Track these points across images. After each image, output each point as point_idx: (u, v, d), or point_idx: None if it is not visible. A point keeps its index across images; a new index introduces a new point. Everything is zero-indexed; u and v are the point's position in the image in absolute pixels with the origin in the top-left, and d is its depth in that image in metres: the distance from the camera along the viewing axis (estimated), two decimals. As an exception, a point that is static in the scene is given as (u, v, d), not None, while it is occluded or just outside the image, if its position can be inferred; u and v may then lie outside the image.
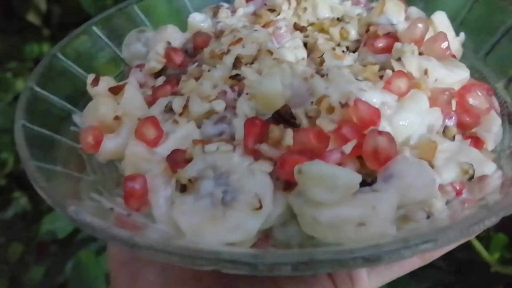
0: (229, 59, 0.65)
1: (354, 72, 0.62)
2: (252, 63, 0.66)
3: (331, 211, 0.49)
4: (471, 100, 0.63)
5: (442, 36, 0.66)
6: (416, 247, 0.43)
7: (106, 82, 0.68)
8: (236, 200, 0.52)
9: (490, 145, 0.61)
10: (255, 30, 0.68)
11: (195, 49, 0.73)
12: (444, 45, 0.66)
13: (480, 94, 0.63)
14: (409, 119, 0.58)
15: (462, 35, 0.74)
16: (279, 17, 0.73)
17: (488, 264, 0.97)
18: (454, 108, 0.62)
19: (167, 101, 0.66)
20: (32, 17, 1.46)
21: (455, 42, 0.74)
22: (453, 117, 0.62)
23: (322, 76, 0.63)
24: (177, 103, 0.64)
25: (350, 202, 0.49)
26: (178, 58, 0.72)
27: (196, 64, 0.68)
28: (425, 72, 0.62)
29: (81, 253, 1.15)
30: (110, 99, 0.66)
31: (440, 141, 0.58)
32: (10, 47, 1.51)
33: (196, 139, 0.58)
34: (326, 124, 0.56)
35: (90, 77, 0.69)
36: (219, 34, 0.71)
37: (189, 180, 0.53)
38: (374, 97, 0.58)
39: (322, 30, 0.74)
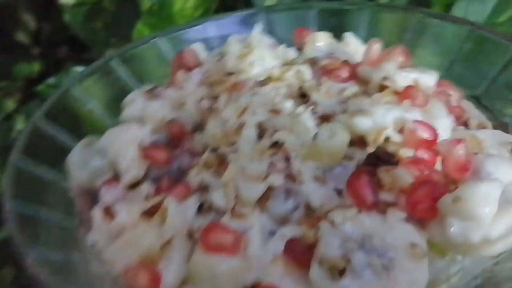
0: (249, 131, 0.59)
1: (374, 100, 0.62)
2: None
3: (500, 224, 0.49)
4: (452, 94, 0.69)
5: (399, 49, 0.71)
6: None
7: (126, 208, 0.55)
8: (395, 259, 0.49)
9: (490, 125, 0.67)
10: (255, 94, 0.63)
11: (175, 139, 0.64)
12: (402, 56, 0.71)
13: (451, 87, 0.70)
14: (444, 125, 0.61)
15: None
16: (241, 77, 0.68)
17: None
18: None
19: (193, 202, 0.57)
20: (21, 36, 1.35)
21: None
22: (451, 114, 0.67)
23: (326, 119, 0.62)
24: (218, 198, 0.56)
25: (504, 209, 0.50)
26: (164, 155, 0.63)
27: (208, 152, 0.60)
28: (415, 82, 0.66)
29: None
30: (147, 225, 0.54)
31: (474, 134, 0.62)
32: (-1, 67, 1.37)
33: (304, 219, 0.51)
34: (408, 153, 0.55)
35: (97, 211, 0.55)
36: (207, 114, 0.64)
37: (347, 261, 0.48)
38: (415, 115, 0.60)
39: (269, 79, 0.71)
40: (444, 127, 0.61)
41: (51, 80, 1.01)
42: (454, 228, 0.50)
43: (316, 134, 0.56)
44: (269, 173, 0.56)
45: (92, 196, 0.64)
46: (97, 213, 0.56)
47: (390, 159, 0.53)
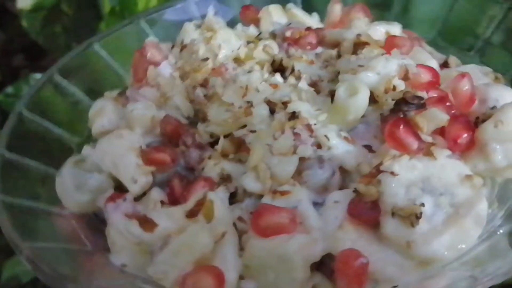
0: (262, 109, 0.57)
1: (366, 56, 0.62)
2: None
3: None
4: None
5: (358, 6, 0.72)
6: None
7: (167, 214, 0.50)
8: (458, 194, 0.49)
9: (460, 62, 0.70)
10: (249, 72, 0.60)
11: (171, 137, 0.60)
12: (363, 12, 0.72)
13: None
14: (434, 66, 0.63)
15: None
16: (217, 61, 0.65)
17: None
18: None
19: (223, 193, 0.54)
20: (-25, 46, 1.16)
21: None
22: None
23: (314, 85, 0.62)
24: (251, 182, 0.53)
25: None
26: (167, 156, 0.58)
27: (222, 140, 0.56)
28: (387, 33, 0.67)
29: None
30: (196, 226, 0.49)
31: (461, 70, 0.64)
32: (-48, 78, 1.22)
33: (361, 179, 0.50)
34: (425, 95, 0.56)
35: (135, 224, 0.50)
36: (204, 103, 0.60)
37: (421, 205, 0.47)
38: (410, 61, 0.60)
39: (239, 59, 0.69)
40: (435, 68, 0.62)
41: (9, 89, 0.97)
42: (498, 152, 0.51)
43: (333, 95, 0.55)
44: (297, 145, 0.53)
45: (95, 218, 0.58)
46: (133, 226, 0.50)
47: (419, 102, 0.53)
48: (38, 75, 0.92)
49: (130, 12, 0.87)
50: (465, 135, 0.52)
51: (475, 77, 0.62)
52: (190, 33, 0.70)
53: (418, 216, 0.47)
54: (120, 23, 0.83)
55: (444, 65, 0.67)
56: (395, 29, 0.69)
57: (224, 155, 0.56)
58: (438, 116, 0.52)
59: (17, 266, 1.00)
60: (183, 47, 0.68)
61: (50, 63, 0.83)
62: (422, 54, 0.63)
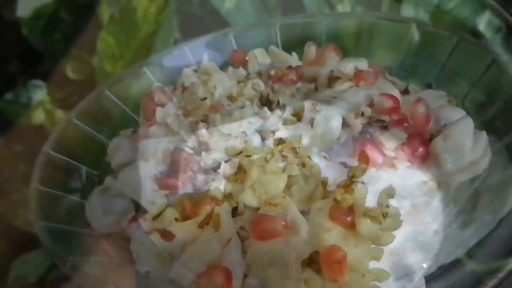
0: (255, 138, 0.69)
1: (338, 88, 0.74)
2: None
3: (478, 147, 0.64)
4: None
5: (330, 47, 0.84)
6: None
7: (182, 227, 0.62)
8: (417, 196, 0.61)
9: (419, 89, 0.82)
10: (242, 108, 0.72)
11: (180, 165, 0.71)
12: (334, 52, 0.84)
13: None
14: (395, 94, 0.75)
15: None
16: (214, 99, 0.77)
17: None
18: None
19: (227, 207, 0.65)
20: (-32, 54, 1.15)
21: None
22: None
23: (297, 115, 0.74)
24: (248, 197, 0.65)
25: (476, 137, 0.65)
26: (179, 182, 0.69)
27: (223, 165, 0.68)
28: (356, 68, 0.80)
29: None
30: (206, 234, 0.61)
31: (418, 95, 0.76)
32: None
33: (338, 189, 0.62)
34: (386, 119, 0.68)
35: (157, 236, 0.61)
36: (208, 132, 0.71)
37: (387, 207, 0.59)
38: (375, 91, 0.73)
39: (232, 97, 0.81)
40: (397, 96, 0.74)
41: (8, 96, 1.00)
42: (448, 161, 0.63)
43: (313, 123, 0.67)
44: (285, 166, 0.65)
45: (119, 236, 0.69)
46: (156, 240, 0.61)
47: (382, 124, 0.65)
48: (37, 82, 0.99)
49: (130, 19, 0.92)
50: (421, 149, 0.63)
51: (431, 101, 0.74)
52: (189, 77, 0.82)
53: (384, 216, 0.58)
54: (126, 70, 0.95)
55: (405, 91, 0.79)
56: (362, 64, 0.82)
57: (226, 177, 0.67)
58: (398, 135, 0.64)
59: (24, 267, 1.03)
60: (184, 89, 0.80)
61: (47, 69, 0.92)
62: (385, 84, 0.76)
